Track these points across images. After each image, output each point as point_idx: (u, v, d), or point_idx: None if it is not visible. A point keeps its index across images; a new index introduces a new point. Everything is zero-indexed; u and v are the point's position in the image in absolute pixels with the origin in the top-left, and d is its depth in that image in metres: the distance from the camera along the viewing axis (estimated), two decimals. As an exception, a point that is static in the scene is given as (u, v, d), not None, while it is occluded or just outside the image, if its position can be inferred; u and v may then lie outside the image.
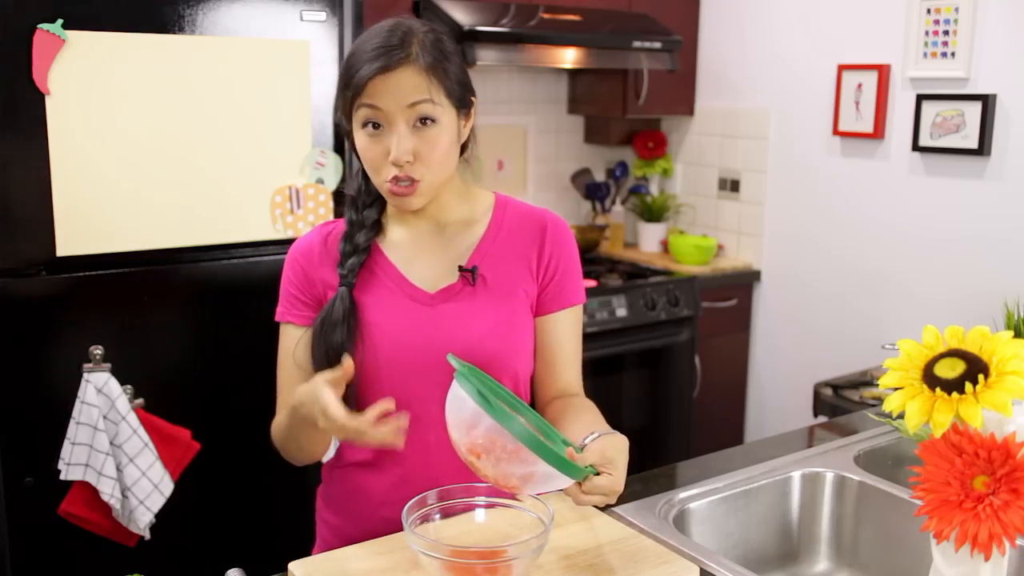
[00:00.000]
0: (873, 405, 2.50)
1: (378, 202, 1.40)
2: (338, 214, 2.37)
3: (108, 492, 2.03)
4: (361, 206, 1.39)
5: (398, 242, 1.39)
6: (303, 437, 1.33)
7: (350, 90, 1.28)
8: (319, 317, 1.34)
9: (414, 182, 1.28)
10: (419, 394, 1.34)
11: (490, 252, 1.39)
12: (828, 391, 2.76)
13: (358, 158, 1.38)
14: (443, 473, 1.35)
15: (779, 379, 3.52)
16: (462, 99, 1.33)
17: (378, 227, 1.39)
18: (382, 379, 1.33)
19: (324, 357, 1.31)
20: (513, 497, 1.22)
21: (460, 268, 1.37)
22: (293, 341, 1.38)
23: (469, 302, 1.36)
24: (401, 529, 1.20)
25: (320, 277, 1.38)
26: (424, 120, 1.27)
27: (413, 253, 1.39)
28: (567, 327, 1.44)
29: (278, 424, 1.38)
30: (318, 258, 1.39)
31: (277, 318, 1.41)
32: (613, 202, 3.78)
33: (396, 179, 1.28)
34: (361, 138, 1.30)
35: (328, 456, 1.49)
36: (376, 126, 1.28)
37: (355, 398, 1.33)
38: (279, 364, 1.41)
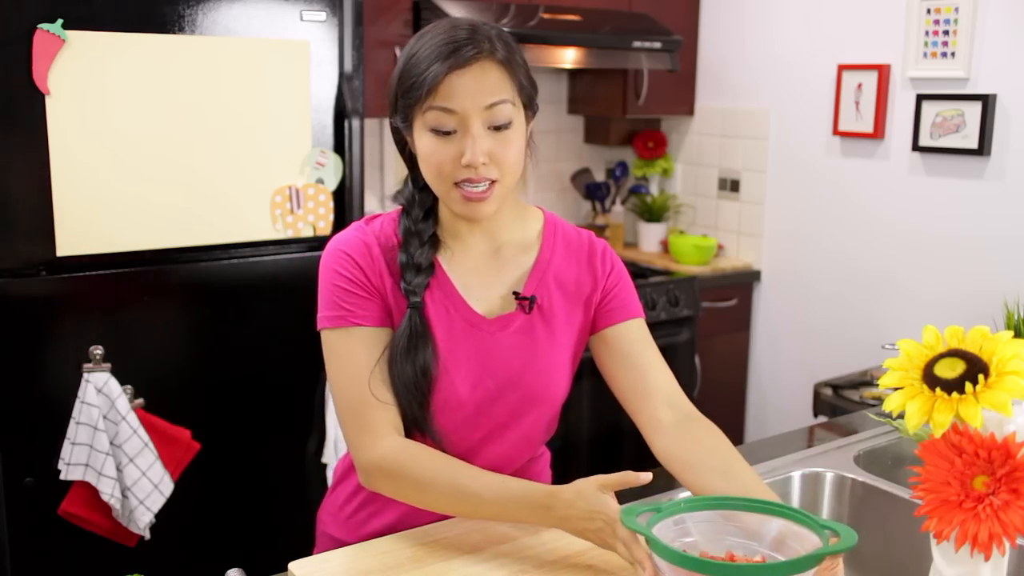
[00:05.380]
0: (873, 405, 2.50)
1: (432, 214, 1.31)
2: (338, 215, 2.37)
3: (108, 492, 2.03)
4: (416, 218, 1.29)
5: (456, 259, 1.31)
6: (486, 515, 1.20)
7: (419, 90, 1.17)
8: (398, 342, 1.24)
9: (491, 185, 1.20)
10: (464, 420, 1.29)
11: (544, 279, 1.33)
12: (828, 391, 2.76)
13: (408, 164, 1.31)
14: None
15: (779, 379, 3.52)
16: (531, 99, 1.27)
17: (436, 242, 1.30)
18: (449, 406, 1.27)
19: (412, 379, 1.23)
20: None
21: (516, 295, 1.31)
22: (368, 344, 1.25)
23: (526, 333, 1.30)
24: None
25: (380, 277, 1.27)
26: (499, 124, 1.20)
27: (471, 275, 1.31)
28: (640, 335, 1.36)
29: (451, 485, 1.20)
30: (377, 258, 1.28)
31: (332, 324, 1.26)
32: (613, 202, 3.78)
33: (469, 181, 1.19)
34: (426, 141, 1.20)
35: (322, 458, 1.46)
36: (446, 130, 1.19)
37: (434, 414, 1.28)
38: (353, 375, 1.25)
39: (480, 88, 1.18)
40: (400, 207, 1.33)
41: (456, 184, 1.20)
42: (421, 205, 1.30)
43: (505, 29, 2.87)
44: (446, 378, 1.27)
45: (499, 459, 1.34)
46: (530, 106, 1.28)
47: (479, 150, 1.18)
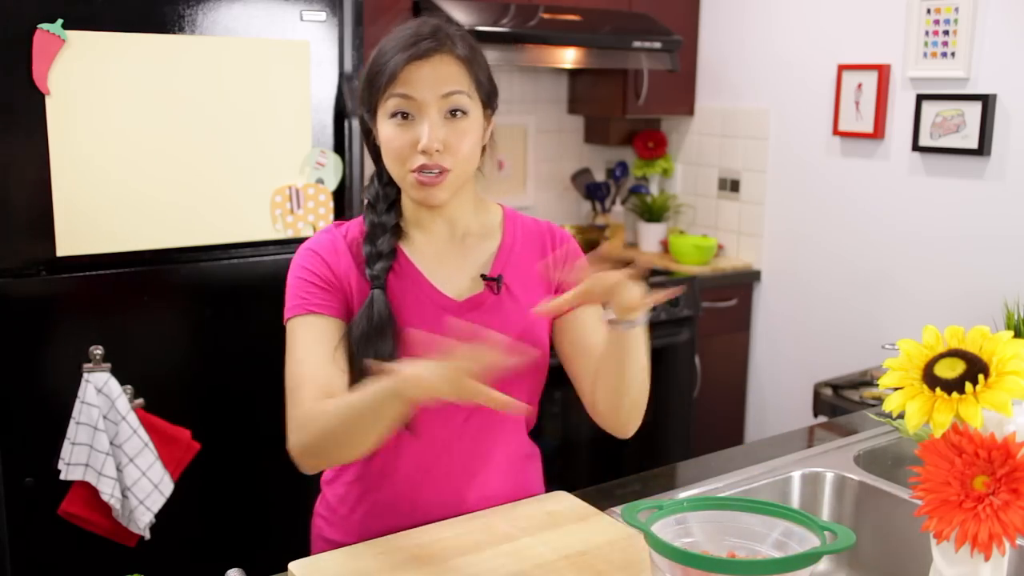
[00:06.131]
0: (873, 405, 2.50)
1: (395, 207, 1.37)
2: (338, 215, 2.37)
3: (108, 492, 2.03)
4: (380, 211, 1.36)
5: (420, 247, 1.37)
6: (377, 424, 1.19)
7: (381, 78, 1.25)
8: (360, 324, 1.28)
9: (443, 171, 1.26)
10: (445, 403, 1.31)
11: (509, 263, 1.38)
12: (828, 391, 2.76)
13: (375, 159, 1.36)
14: (464, 485, 1.35)
15: (779, 379, 3.52)
16: (490, 96, 1.33)
17: (399, 231, 1.36)
18: None
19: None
20: None
21: (484, 277, 1.35)
22: (319, 330, 1.29)
23: (496, 312, 1.34)
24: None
25: (345, 273, 1.33)
26: (455, 112, 1.26)
27: (436, 260, 1.37)
28: (596, 322, 1.39)
29: (335, 412, 1.22)
30: (343, 253, 1.34)
31: (292, 313, 1.32)
32: (613, 202, 3.78)
33: (423, 167, 1.25)
34: (387, 128, 1.27)
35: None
36: (405, 116, 1.26)
37: None
38: (303, 355, 1.29)
39: (437, 78, 1.25)
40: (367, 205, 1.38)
41: (412, 170, 1.27)
42: (385, 199, 1.37)
43: (505, 29, 2.89)
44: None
45: (483, 436, 1.36)
46: (489, 104, 1.34)
47: (434, 136, 1.24)
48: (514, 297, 1.36)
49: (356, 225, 1.39)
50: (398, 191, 1.37)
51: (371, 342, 1.27)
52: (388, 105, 1.26)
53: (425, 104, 1.25)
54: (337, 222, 1.43)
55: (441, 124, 1.25)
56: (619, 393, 1.31)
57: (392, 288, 1.33)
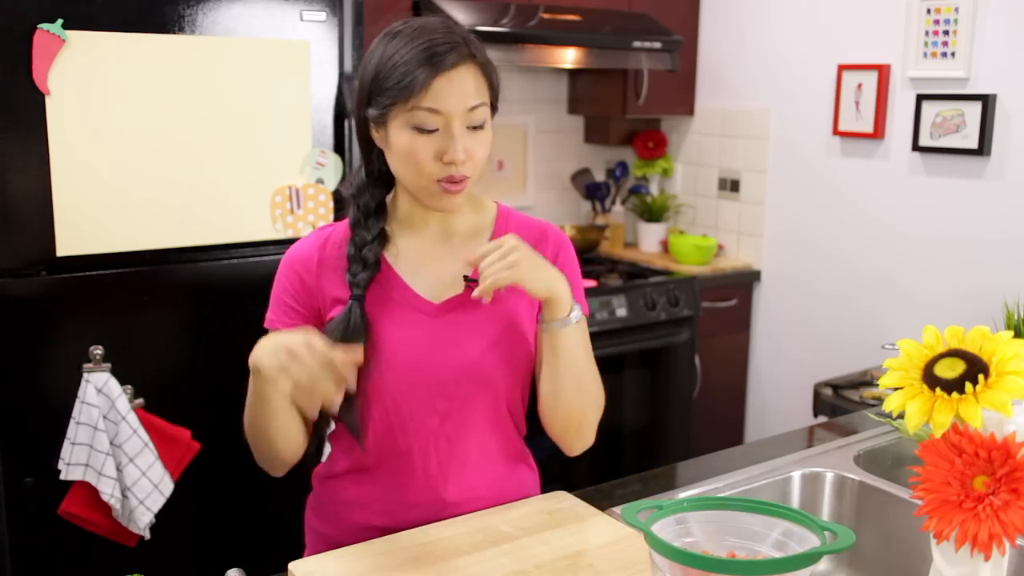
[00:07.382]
0: (873, 405, 2.50)
1: (382, 210, 1.37)
2: (338, 215, 2.37)
3: (108, 492, 2.03)
4: (365, 212, 1.35)
5: (404, 251, 1.36)
6: (266, 415, 1.27)
7: (405, 91, 1.23)
8: (332, 330, 1.29)
9: (464, 179, 1.28)
10: (420, 405, 1.32)
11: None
12: (828, 391, 2.76)
13: (365, 155, 1.35)
14: (440, 484, 1.35)
15: (779, 379, 3.52)
16: (496, 99, 1.34)
17: (383, 237, 1.36)
18: (385, 390, 1.32)
19: None
20: None
21: (465, 278, 1.35)
22: None
23: (473, 314, 1.34)
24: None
25: (320, 287, 1.35)
26: (478, 126, 1.28)
27: (419, 262, 1.36)
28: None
29: (247, 414, 1.33)
30: (316, 267, 1.35)
31: (267, 324, 1.37)
32: (613, 202, 3.78)
33: (450, 179, 1.26)
34: (407, 137, 1.26)
35: (322, 457, 1.48)
36: (431, 129, 1.25)
37: (360, 409, 1.32)
38: None
39: (464, 91, 1.25)
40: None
41: (438, 180, 1.27)
42: (372, 197, 1.36)
43: (505, 29, 2.89)
44: (387, 363, 1.30)
45: (460, 437, 1.35)
46: (495, 106, 1.35)
47: (461, 148, 1.25)
48: (495, 299, 1.34)
49: (342, 226, 1.39)
50: (385, 191, 1.37)
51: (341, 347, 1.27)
52: (410, 117, 1.25)
53: (451, 117, 1.25)
54: (323, 225, 1.43)
55: (465, 135, 1.26)
56: (555, 399, 1.34)
57: (370, 292, 1.33)
